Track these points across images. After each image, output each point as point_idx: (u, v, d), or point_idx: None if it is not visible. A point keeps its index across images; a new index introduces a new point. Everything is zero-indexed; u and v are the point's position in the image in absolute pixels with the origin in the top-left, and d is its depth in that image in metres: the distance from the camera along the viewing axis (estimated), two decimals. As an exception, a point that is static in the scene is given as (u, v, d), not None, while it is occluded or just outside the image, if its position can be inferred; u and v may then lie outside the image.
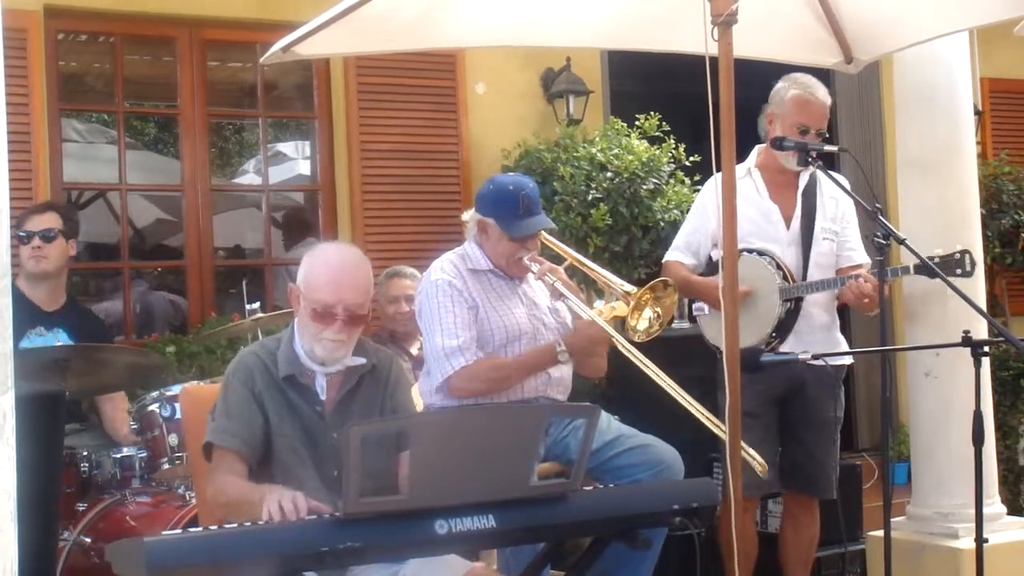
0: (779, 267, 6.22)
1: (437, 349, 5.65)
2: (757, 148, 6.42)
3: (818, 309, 6.34)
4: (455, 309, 5.66)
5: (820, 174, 6.22)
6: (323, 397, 4.70)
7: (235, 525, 3.92)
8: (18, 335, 6.27)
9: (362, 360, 4.76)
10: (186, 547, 3.66)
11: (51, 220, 6.65)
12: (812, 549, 6.67)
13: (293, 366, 4.66)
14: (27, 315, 6.46)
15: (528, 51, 9.00)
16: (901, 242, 5.69)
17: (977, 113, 9.62)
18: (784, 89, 6.31)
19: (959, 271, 5.80)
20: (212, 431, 4.57)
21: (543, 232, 5.92)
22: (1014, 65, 11.21)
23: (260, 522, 3.89)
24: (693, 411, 5.13)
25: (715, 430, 4.95)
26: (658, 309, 5.73)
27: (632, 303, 5.67)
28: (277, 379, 4.64)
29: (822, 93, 6.27)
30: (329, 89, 8.92)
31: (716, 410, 5.05)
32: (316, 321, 4.60)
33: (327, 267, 4.68)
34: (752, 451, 5.31)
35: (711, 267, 6.34)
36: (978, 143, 9.46)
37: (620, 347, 5.59)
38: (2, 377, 4.04)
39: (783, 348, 6.17)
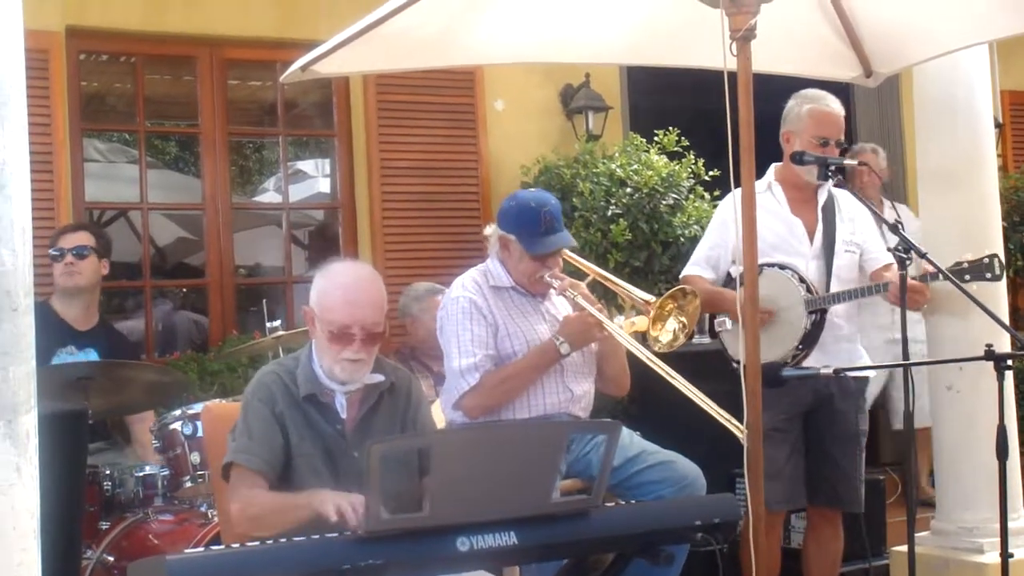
0: (802, 280, 6.21)
1: (454, 368, 5.68)
2: (773, 166, 6.41)
3: (842, 320, 6.32)
4: (473, 327, 5.67)
5: (836, 191, 6.25)
6: (344, 416, 4.71)
7: (257, 543, 3.91)
8: (49, 353, 6.30)
9: (381, 377, 4.77)
10: (208, 565, 3.65)
11: (84, 238, 6.70)
12: (836, 565, 6.64)
13: (313, 385, 4.67)
14: (60, 334, 6.52)
15: (547, 67, 9.01)
16: (923, 256, 5.68)
17: (998, 125, 9.63)
18: (797, 106, 6.30)
19: (988, 275, 5.79)
20: (234, 451, 4.57)
21: (566, 251, 5.93)
22: (1034, 78, 11.21)
23: (290, 538, 3.88)
24: (712, 412, 5.10)
25: (733, 430, 4.92)
26: (683, 319, 5.74)
27: (653, 312, 5.67)
28: (297, 398, 4.65)
29: (836, 104, 6.26)
30: (349, 107, 8.95)
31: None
32: (334, 343, 4.61)
33: (342, 288, 4.70)
34: (728, 416, 5.23)
35: (730, 283, 6.33)
36: (999, 155, 9.46)
37: (634, 348, 5.61)
38: (25, 396, 4.05)
39: (809, 361, 6.15)
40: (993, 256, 5.85)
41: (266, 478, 4.53)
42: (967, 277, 5.82)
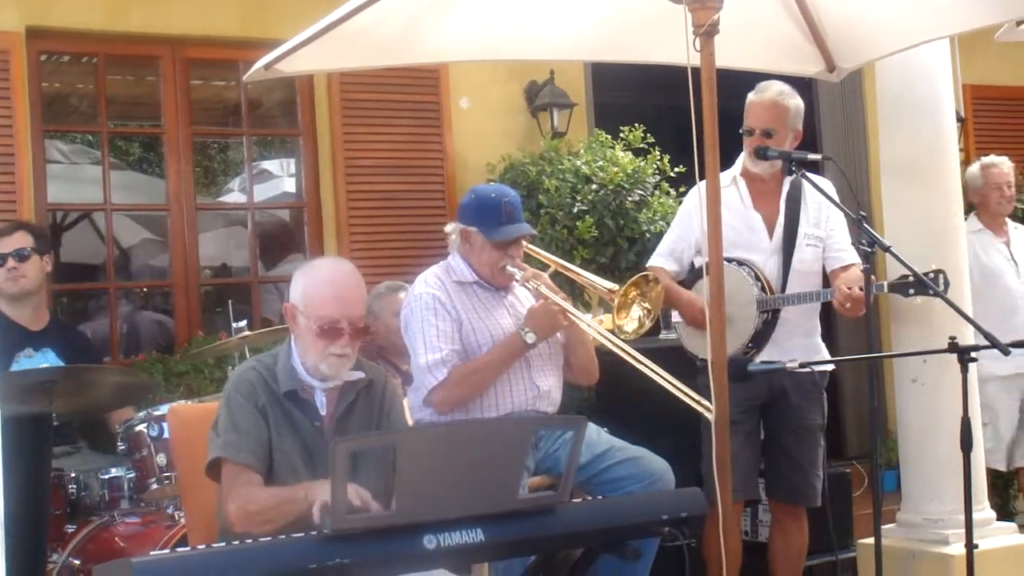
0: (758, 278, 6.25)
1: (420, 363, 5.69)
2: (739, 160, 6.45)
3: (798, 316, 6.37)
4: (437, 323, 5.69)
5: (803, 181, 6.27)
6: (323, 412, 4.73)
7: (223, 544, 3.91)
8: (8, 358, 6.27)
9: (361, 374, 4.80)
10: (174, 567, 3.65)
11: (22, 239, 6.63)
12: (801, 558, 6.68)
13: (293, 382, 4.69)
14: (15, 337, 6.48)
15: (511, 65, 9.04)
16: (886, 249, 5.72)
17: (960, 119, 9.66)
18: (756, 99, 6.35)
19: (931, 291, 5.82)
20: (222, 446, 4.56)
21: (527, 243, 5.95)
22: (996, 71, 11.26)
23: (256, 539, 3.88)
24: (679, 394, 5.12)
25: (701, 410, 4.94)
26: (646, 305, 5.78)
27: (617, 301, 5.70)
28: (278, 394, 4.67)
29: (769, 94, 6.30)
30: (313, 106, 8.95)
31: (698, 416, 5.04)
32: (322, 338, 4.62)
33: (330, 284, 4.72)
34: (698, 397, 5.24)
35: (694, 274, 6.38)
36: (961, 149, 9.48)
37: (598, 335, 5.64)
38: (-14, 399, 4.05)
39: (762, 357, 6.21)
40: (938, 272, 5.90)
41: (257, 471, 4.55)
42: (911, 291, 5.88)
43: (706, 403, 4.91)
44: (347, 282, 4.74)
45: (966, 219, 8.50)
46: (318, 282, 4.73)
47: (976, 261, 8.33)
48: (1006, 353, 6.48)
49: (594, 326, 5.68)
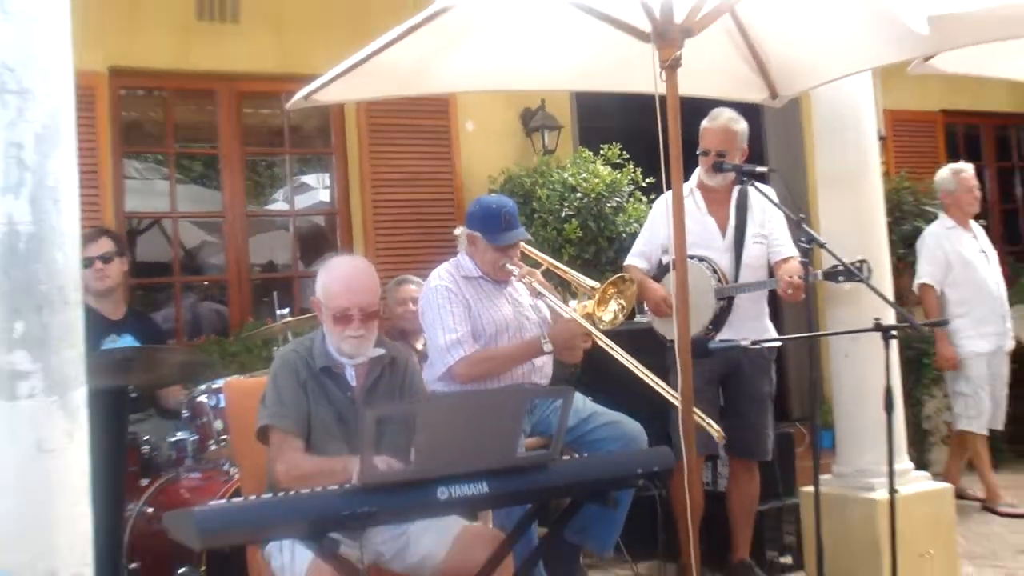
0: (715, 271, 6.35)
1: (439, 343, 5.69)
2: (695, 174, 6.48)
3: (749, 302, 6.46)
4: (452, 309, 5.70)
5: (750, 190, 6.30)
6: (353, 384, 4.74)
7: (270, 496, 3.91)
8: (96, 343, 6.27)
9: (382, 351, 4.81)
10: (230, 514, 3.66)
11: (106, 244, 6.62)
12: (754, 504, 6.72)
13: (327, 359, 4.71)
14: (100, 326, 6.48)
15: (509, 94, 9.04)
16: (822, 246, 5.73)
17: (881, 138, 9.63)
18: (710, 124, 6.49)
19: (857, 277, 5.85)
20: (269, 416, 4.59)
21: (524, 245, 5.97)
22: (910, 98, 11.27)
23: (298, 491, 3.87)
24: (651, 383, 5.12)
25: (669, 397, 4.94)
26: (622, 301, 5.87)
27: (597, 296, 5.79)
28: (315, 370, 4.68)
29: (720, 120, 6.44)
30: (344, 129, 8.95)
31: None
32: (338, 324, 4.64)
33: (340, 279, 4.72)
34: (710, 421, 5.34)
35: (661, 269, 6.44)
36: (882, 163, 9.45)
37: (596, 338, 5.63)
38: (75, 375, 4.04)
39: (720, 337, 6.26)
40: (862, 261, 5.94)
41: (300, 436, 4.57)
42: (840, 278, 5.90)
43: (670, 390, 4.92)
44: (356, 276, 4.75)
45: (937, 219, 8.82)
46: (332, 278, 4.75)
47: (956, 254, 8.55)
48: (923, 333, 6.45)
49: (596, 332, 5.66)
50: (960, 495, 8.31)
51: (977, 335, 8.49)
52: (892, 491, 5.65)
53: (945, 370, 8.70)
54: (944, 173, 8.84)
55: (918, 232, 9.97)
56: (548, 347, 5.71)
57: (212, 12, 8.39)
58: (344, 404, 4.68)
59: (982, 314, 8.48)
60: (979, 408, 8.52)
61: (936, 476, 7.19)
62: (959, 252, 8.56)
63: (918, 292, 8.69)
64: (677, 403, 4.89)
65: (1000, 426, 8.65)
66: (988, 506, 8.48)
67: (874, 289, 5.76)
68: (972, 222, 8.81)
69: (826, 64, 5.88)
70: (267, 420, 4.59)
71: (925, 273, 8.62)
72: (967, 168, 8.83)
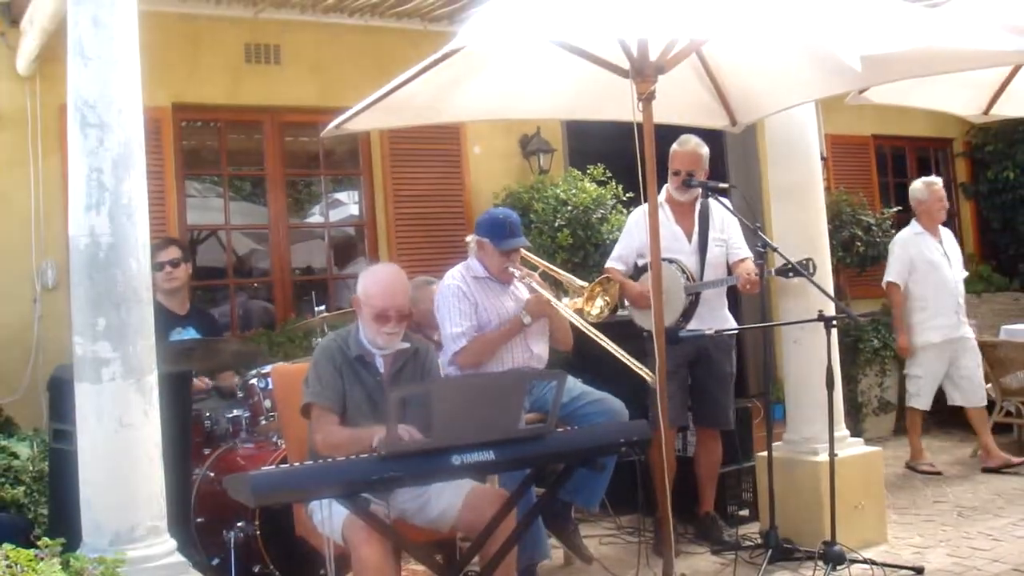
0: (683, 271, 6.38)
1: (447, 335, 5.80)
2: (664, 189, 6.50)
3: (713, 297, 6.51)
4: (460, 306, 5.79)
5: (711, 202, 6.33)
6: (381, 371, 4.79)
7: (311, 463, 3.93)
8: (166, 334, 6.31)
9: (407, 345, 4.86)
10: (279, 478, 3.71)
11: (174, 252, 6.68)
12: (717, 466, 6.76)
13: (360, 349, 4.76)
14: (170, 319, 6.53)
15: (509, 123, 9.05)
16: (774, 249, 5.79)
17: (823, 158, 9.62)
18: (678, 148, 6.53)
19: (804, 273, 5.91)
20: (311, 394, 4.63)
21: (523, 250, 6.02)
22: (848, 124, 11.27)
23: (334, 459, 3.88)
24: (626, 361, 5.13)
25: (643, 375, 4.96)
26: (607, 298, 6.02)
27: (586, 294, 5.93)
28: (350, 358, 4.73)
29: (689, 146, 6.50)
30: (370, 153, 8.95)
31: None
32: (376, 321, 4.70)
33: (381, 283, 4.77)
34: (639, 365, 5.25)
35: (638, 271, 6.46)
36: (825, 180, 9.46)
37: (572, 318, 5.71)
38: (148, 362, 4.09)
39: (689, 326, 6.29)
40: (808, 259, 5.95)
41: (336, 412, 4.62)
42: (790, 274, 5.91)
43: (645, 369, 4.93)
44: (394, 281, 4.80)
45: (908, 224, 8.73)
46: (373, 281, 4.79)
47: (922, 257, 8.47)
48: (859, 323, 6.43)
49: (570, 312, 5.73)
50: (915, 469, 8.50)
51: (930, 328, 8.43)
52: (832, 455, 5.71)
53: (904, 356, 8.70)
54: (917, 184, 8.73)
55: (855, 238, 10.02)
56: (528, 319, 5.81)
57: (259, 56, 8.40)
58: (374, 387, 4.72)
59: (938, 309, 8.41)
60: (925, 389, 8.50)
61: (869, 442, 7.20)
62: (923, 255, 8.47)
63: (886, 289, 8.64)
64: (648, 378, 4.91)
65: (981, 404, 8.54)
66: (911, 464, 8.51)
67: (817, 285, 5.81)
68: (941, 228, 8.69)
69: (778, 96, 5.88)
70: (309, 398, 4.63)
71: (892, 272, 8.56)
72: (937, 181, 8.74)
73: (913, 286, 8.51)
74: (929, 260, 8.48)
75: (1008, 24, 5.11)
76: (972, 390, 8.51)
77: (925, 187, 8.63)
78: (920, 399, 8.55)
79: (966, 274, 8.82)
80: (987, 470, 8.30)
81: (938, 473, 8.30)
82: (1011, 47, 4.60)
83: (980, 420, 8.55)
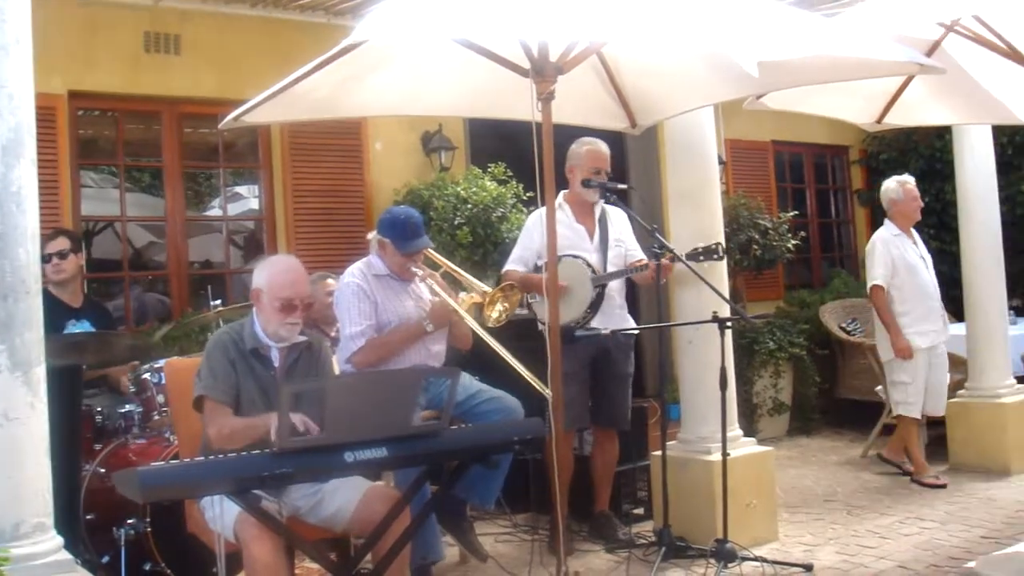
0: (588, 265, 6.36)
1: (345, 333, 5.76)
2: (561, 192, 6.53)
3: (615, 293, 6.56)
4: (359, 304, 5.75)
5: (607, 206, 6.43)
6: (276, 364, 4.75)
7: (202, 458, 3.89)
8: (60, 326, 6.20)
9: (304, 337, 4.83)
10: (168, 474, 3.67)
11: (63, 243, 6.54)
12: (613, 466, 6.81)
13: (255, 342, 4.72)
14: (62, 312, 6.40)
15: (412, 119, 9.04)
16: (671, 251, 5.83)
17: (721, 162, 9.78)
18: (578, 147, 6.57)
19: (715, 256, 6.03)
20: (203, 387, 4.58)
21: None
22: (747, 129, 11.45)
23: (225, 455, 3.85)
24: (522, 374, 5.15)
25: (537, 387, 4.98)
26: (506, 304, 6.00)
27: (488, 299, 5.94)
28: (244, 351, 4.69)
29: (604, 146, 6.56)
30: (270, 146, 8.89)
31: (542, 369, 5.05)
32: (282, 312, 4.66)
33: (286, 272, 4.75)
34: (538, 381, 5.30)
35: (538, 272, 6.44)
36: (723, 183, 9.62)
37: (475, 328, 5.74)
38: (36, 354, 4.02)
39: (594, 322, 6.32)
40: (717, 243, 6.11)
41: (229, 405, 4.57)
42: (701, 257, 6.01)
43: (541, 384, 4.94)
44: (298, 271, 4.79)
45: (883, 225, 8.37)
46: (278, 272, 4.76)
47: (901, 259, 8.09)
48: (753, 325, 6.51)
49: (473, 323, 5.75)
50: (900, 468, 8.29)
51: (916, 332, 8.03)
52: (725, 454, 5.79)
53: (904, 359, 8.04)
54: (890, 183, 8.38)
55: (752, 241, 10.15)
56: (430, 327, 5.79)
57: (158, 45, 8.29)
58: (268, 381, 4.68)
59: (922, 313, 8.08)
60: (916, 396, 8.08)
61: (764, 442, 7.30)
62: (904, 257, 8.11)
63: (870, 292, 8.18)
64: (544, 392, 4.91)
65: (942, 413, 8.28)
66: (916, 478, 8.07)
67: (712, 286, 5.87)
68: (913, 230, 8.35)
69: (676, 99, 5.94)
70: (201, 391, 4.58)
71: (877, 275, 8.10)
72: (910, 180, 8.38)
73: (894, 291, 8.10)
74: (909, 263, 8.12)
75: (899, 35, 5.26)
76: (938, 399, 8.22)
77: (899, 186, 8.29)
78: (910, 407, 8.10)
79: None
80: (917, 482, 8.06)
81: (943, 486, 7.87)
82: (901, 58, 4.72)
83: (915, 430, 8.27)
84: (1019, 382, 8.64)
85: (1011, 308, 10.16)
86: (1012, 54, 5.46)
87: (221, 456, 3.87)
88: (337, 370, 5.66)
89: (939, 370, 8.18)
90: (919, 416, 8.16)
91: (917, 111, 6.87)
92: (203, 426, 4.60)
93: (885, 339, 8.16)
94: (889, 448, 8.49)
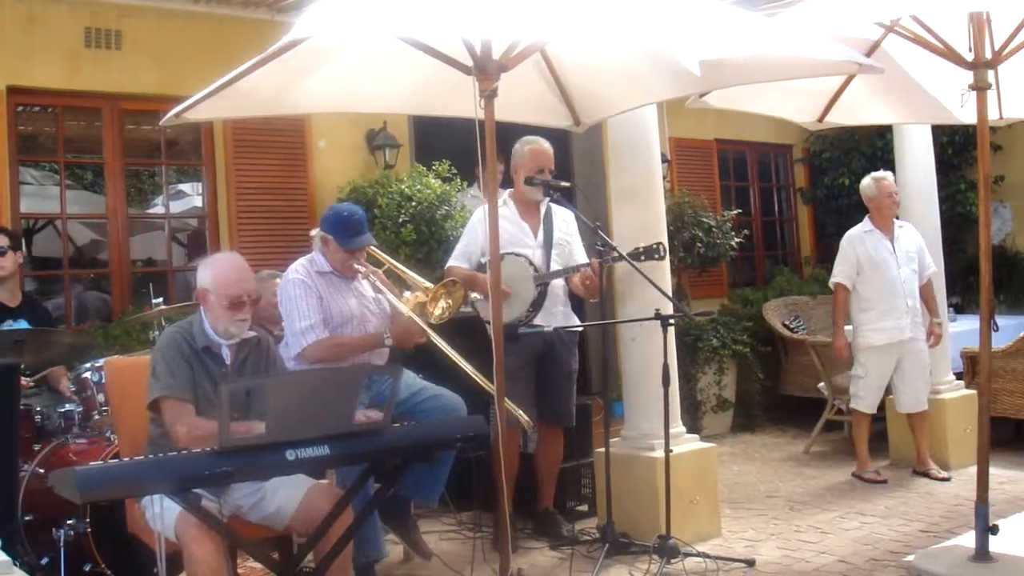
0: (531, 263, 6.37)
1: (295, 328, 5.71)
2: (507, 191, 6.56)
3: (558, 291, 6.56)
4: (307, 299, 5.72)
5: (553, 205, 6.43)
6: (227, 361, 4.74)
7: (142, 457, 3.86)
8: (-6, 326, 6.15)
9: (254, 333, 4.84)
10: (106, 473, 3.62)
11: (0, 241, 6.47)
12: (558, 463, 6.82)
13: (206, 340, 4.70)
14: (0, 311, 6.31)
15: (356, 116, 9.02)
16: (614, 248, 5.84)
17: (666, 160, 9.82)
18: (521, 147, 6.58)
19: (656, 256, 6.02)
20: (163, 388, 4.53)
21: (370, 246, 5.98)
22: (691, 128, 11.53)
23: (165, 454, 3.83)
24: (470, 373, 5.15)
25: (484, 385, 4.98)
26: (449, 300, 5.98)
27: (430, 295, 5.91)
28: (197, 349, 4.67)
29: (547, 145, 6.57)
30: (213, 143, 8.84)
31: (487, 365, 5.05)
32: (231, 309, 4.65)
33: (232, 269, 4.73)
34: (520, 411, 5.46)
35: (481, 268, 6.45)
36: (667, 181, 9.68)
37: (431, 337, 5.71)
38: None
39: (537, 320, 6.33)
40: (659, 244, 6.09)
41: (191, 403, 4.54)
42: (642, 257, 6.02)
43: (486, 381, 4.94)
44: (243, 267, 4.78)
45: (860, 222, 8.34)
46: (223, 269, 4.74)
47: (867, 255, 8.08)
48: (695, 322, 6.52)
49: (425, 328, 5.72)
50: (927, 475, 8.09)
51: (874, 329, 8.05)
52: (668, 451, 5.82)
53: (840, 357, 8.31)
54: (866, 181, 8.32)
55: (696, 239, 10.20)
56: (389, 341, 5.78)
57: (99, 40, 8.21)
58: (220, 377, 4.64)
59: (885, 310, 8.04)
60: (867, 391, 8.12)
61: (708, 438, 7.34)
62: (869, 254, 8.08)
63: (833, 289, 8.25)
64: (490, 389, 4.92)
65: (921, 409, 8.18)
66: (857, 474, 8.17)
67: (654, 284, 5.90)
68: (898, 224, 8.26)
69: (619, 97, 5.95)
70: (162, 392, 4.53)
71: (839, 273, 8.18)
72: (887, 176, 8.32)
73: (861, 287, 8.11)
74: (874, 260, 8.09)
75: (839, 35, 5.30)
76: (912, 395, 8.18)
77: (873, 183, 8.26)
78: (862, 400, 8.17)
79: (934, 269, 8.42)
80: (858, 477, 8.13)
81: (883, 482, 7.98)
82: (841, 57, 4.76)
83: (865, 424, 8.30)
84: (958, 379, 8.75)
85: (951, 306, 10.30)
86: (949, 54, 5.52)
87: (161, 455, 3.83)
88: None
89: (914, 366, 8.13)
90: (869, 411, 8.20)
91: (858, 110, 6.93)
92: (168, 425, 4.55)
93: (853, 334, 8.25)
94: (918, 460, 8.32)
